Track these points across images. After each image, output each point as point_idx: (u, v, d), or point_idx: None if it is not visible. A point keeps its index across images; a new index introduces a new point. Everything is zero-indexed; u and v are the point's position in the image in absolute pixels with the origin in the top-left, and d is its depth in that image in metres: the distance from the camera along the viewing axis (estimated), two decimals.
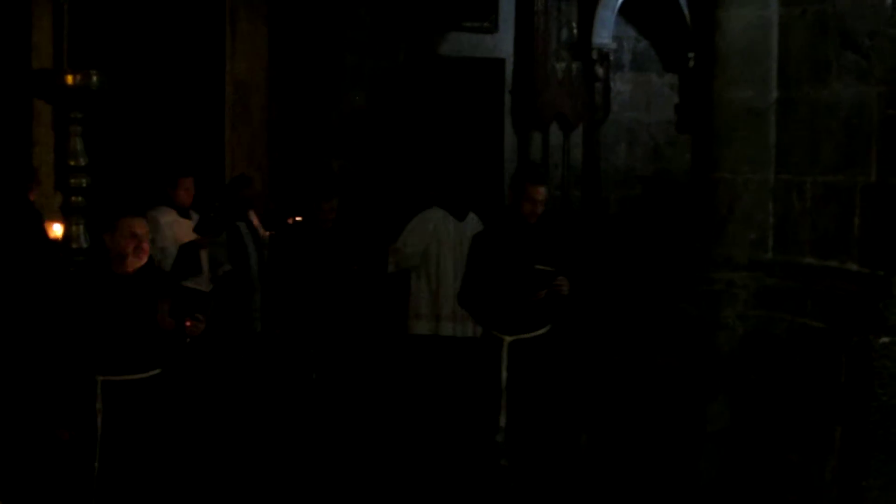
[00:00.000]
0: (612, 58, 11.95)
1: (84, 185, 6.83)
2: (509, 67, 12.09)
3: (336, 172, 10.76)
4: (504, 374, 6.63)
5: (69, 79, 6.57)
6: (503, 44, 12.08)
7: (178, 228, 8.42)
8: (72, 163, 6.84)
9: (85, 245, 6.73)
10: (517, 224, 6.71)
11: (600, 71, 11.87)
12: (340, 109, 10.96)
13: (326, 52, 10.92)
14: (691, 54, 10.03)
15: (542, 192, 6.68)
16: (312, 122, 11.07)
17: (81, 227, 6.81)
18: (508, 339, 6.65)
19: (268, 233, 9.09)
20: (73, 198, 6.88)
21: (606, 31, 11.76)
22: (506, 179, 12.10)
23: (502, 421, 6.65)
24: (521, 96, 12.06)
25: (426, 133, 11.70)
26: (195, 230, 8.37)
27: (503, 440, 6.68)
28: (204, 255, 8.38)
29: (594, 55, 11.78)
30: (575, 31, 11.88)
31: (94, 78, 6.60)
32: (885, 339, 5.92)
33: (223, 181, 11.92)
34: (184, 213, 8.53)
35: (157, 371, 5.27)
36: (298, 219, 8.94)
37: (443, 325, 8.37)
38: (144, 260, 5.31)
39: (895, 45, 6.05)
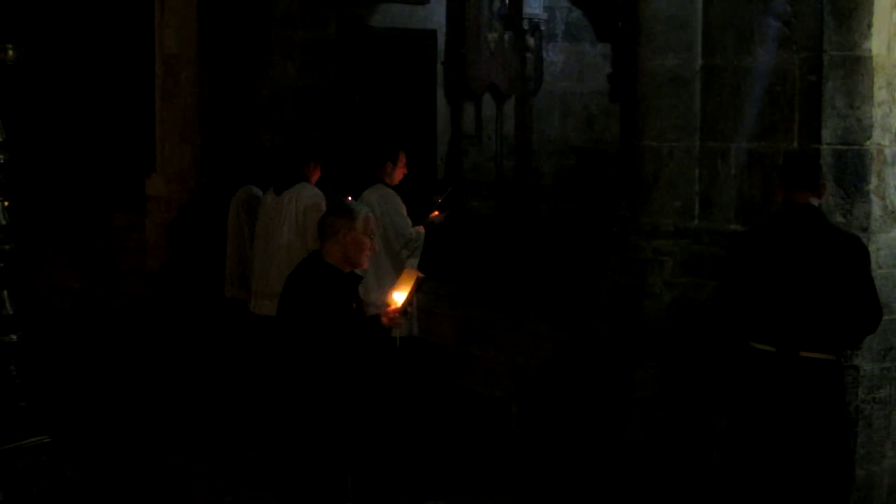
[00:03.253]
0: (543, 28, 11.93)
1: (2, 161, 6.65)
2: (441, 39, 12.09)
3: (268, 147, 10.67)
4: None
5: None
6: (435, 15, 12.06)
7: None
8: None
9: (4, 223, 6.57)
10: None
11: (532, 41, 11.86)
12: (271, 82, 10.85)
13: (256, 25, 10.80)
14: (622, 23, 10.04)
15: None
16: (243, 95, 10.96)
17: (1, 206, 6.65)
18: None
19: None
20: None
21: (537, 1, 11.75)
22: (438, 151, 12.11)
23: None
24: (453, 68, 12.04)
25: (358, 106, 11.64)
26: (437, 208, 8.02)
27: None
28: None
29: (526, 25, 11.76)
30: (506, 1, 11.85)
31: (10, 52, 6.40)
32: None
33: (153, 155, 11.82)
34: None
35: None
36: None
37: None
38: None
39: (815, 12, 6.09)
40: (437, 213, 7.90)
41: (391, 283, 7.04)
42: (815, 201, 5.37)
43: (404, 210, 7.79)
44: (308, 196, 8.03)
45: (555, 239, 9.58)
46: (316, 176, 8.26)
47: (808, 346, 5.26)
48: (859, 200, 6.13)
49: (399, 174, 7.86)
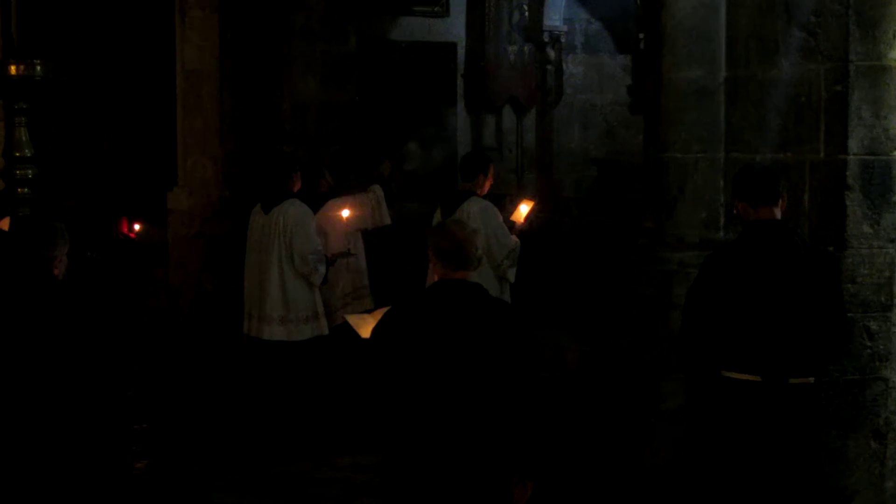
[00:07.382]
0: (563, 40, 11.96)
1: (30, 175, 6.73)
2: (461, 51, 12.10)
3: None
4: None
5: (12, 69, 6.48)
6: (455, 28, 12.08)
7: None
8: (17, 154, 6.74)
9: None
10: None
11: (552, 53, 11.88)
12: (292, 96, 10.90)
13: (277, 39, 10.85)
14: (643, 35, 10.04)
15: None
16: (265, 109, 11.00)
17: None
18: None
19: None
20: (20, 189, 6.78)
21: (557, 13, 11.78)
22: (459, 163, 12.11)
23: None
24: (473, 80, 12.05)
25: (379, 118, 11.66)
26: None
27: None
28: None
29: (545, 37, 11.79)
30: (526, 13, 11.88)
31: (38, 68, 6.50)
32: None
33: (175, 168, 11.87)
34: None
35: None
36: None
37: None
38: None
39: (840, 22, 6.07)
40: (522, 221, 7.85)
41: (495, 293, 7.05)
42: (778, 214, 5.20)
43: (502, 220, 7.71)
44: (294, 214, 8.01)
45: (578, 251, 9.57)
46: (297, 186, 8.26)
47: (794, 372, 5.09)
48: (887, 211, 6.10)
49: (488, 185, 7.77)
